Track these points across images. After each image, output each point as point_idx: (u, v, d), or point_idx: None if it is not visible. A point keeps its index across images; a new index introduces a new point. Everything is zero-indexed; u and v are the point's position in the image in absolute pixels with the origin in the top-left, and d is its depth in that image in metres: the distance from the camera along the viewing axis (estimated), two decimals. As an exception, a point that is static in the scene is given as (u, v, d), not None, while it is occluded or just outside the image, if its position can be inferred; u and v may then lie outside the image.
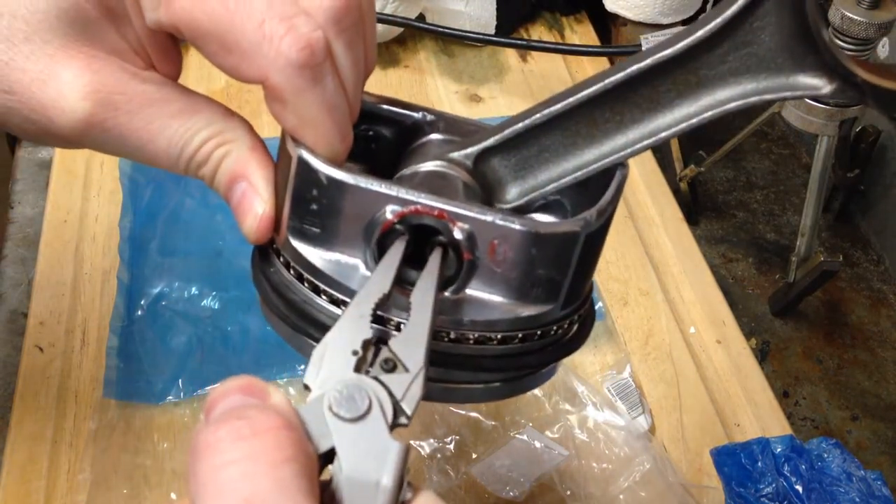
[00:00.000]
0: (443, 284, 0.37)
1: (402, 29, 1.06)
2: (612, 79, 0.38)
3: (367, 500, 0.29)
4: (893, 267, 1.20)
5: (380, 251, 0.37)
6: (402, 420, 0.32)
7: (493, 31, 1.05)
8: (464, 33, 1.03)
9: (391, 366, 0.33)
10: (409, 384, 0.32)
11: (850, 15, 0.85)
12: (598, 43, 1.15)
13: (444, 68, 1.08)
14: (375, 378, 0.32)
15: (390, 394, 0.32)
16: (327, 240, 0.38)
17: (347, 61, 0.38)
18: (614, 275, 0.85)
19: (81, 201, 0.87)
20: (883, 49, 1.15)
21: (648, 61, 0.37)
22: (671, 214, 0.93)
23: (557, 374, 0.73)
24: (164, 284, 0.77)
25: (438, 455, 0.68)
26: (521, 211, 0.43)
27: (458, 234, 0.37)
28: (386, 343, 0.34)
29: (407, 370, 0.33)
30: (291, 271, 0.39)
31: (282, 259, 0.40)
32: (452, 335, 0.38)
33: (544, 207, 0.43)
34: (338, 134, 0.38)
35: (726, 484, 0.69)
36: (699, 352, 0.80)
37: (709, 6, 1.24)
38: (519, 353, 0.39)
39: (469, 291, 0.38)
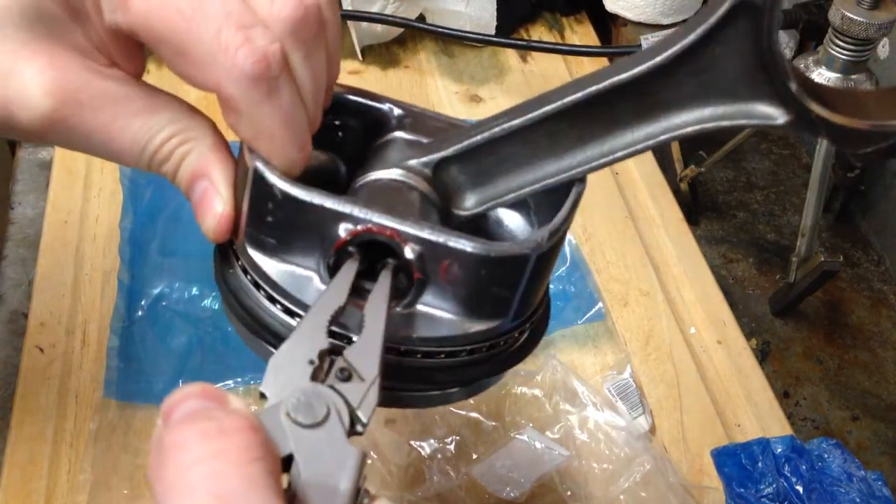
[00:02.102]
0: (395, 297, 0.37)
1: (402, 29, 1.06)
2: (574, 96, 0.38)
3: (326, 503, 0.29)
4: (894, 267, 1.20)
5: (333, 266, 0.38)
6: (359, 428, 0.32)
7: (493, 32, 1.05)
8: (464, 34, 1.03)
9: (346, 375, 0.33)
10: (364, 393, 0.33)
11: (850, 15, 0.85)
12: (598, 43, 1.15)
13: (445, 69, 1.08)
14: (331, 387, 0.33)
15: (346, 402, 0.32)
16: (282, 251, 0.39)
17: (306, 72, 0.37)
18: (615, 275, 0.85)
19: (82, 202, 0.87)
20: (883, 49, 1.15)
21: (609, 81, 0.38)
22: (671, 215, 0.92)
23: (558, 374, 0.73)
24: (165, 285, 0.77)
25: (439, 455, 0.68)
26: (479, 218, 0.43)
27: (409, 254, 0.37)
28: (341, 353, 0.34)
29: (362, 379, 0.33)
30: (248, 277, 0.40)
31: (240, 263, 0.40)
32: (402, 349, 0.38)
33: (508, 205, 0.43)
34: (294, 145, 0.38)
35: (727, 484, 0.69)
36: (699, 352, 0.80)
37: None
38: (467, 365, 0.40)
39: (420, 307, 0.38)
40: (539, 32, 1.15)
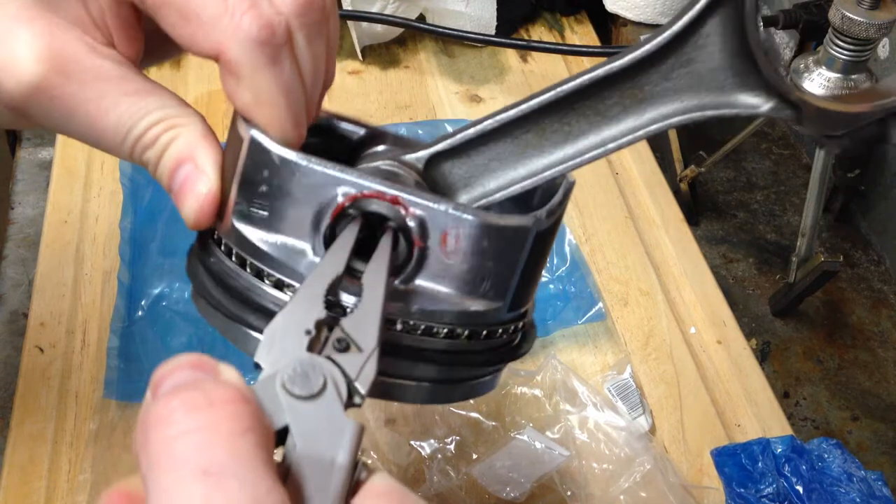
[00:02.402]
0: (393, 272, 0.37)
1: (402, 29, 1.06)
2: (561, 89, 0.39)
3: (322, 477, 0.29)
4: (894, 267, 1.20)
5: (330, 236, 0.37)
6: (357, 400, 0.32)
7: (493, 32, 1.05)
8: (464, 34, 1.03)
9: (344, 346, 0.33)
10: (362, 364, 0.32)
11: (851, 15, 0.85)
12: (598, 43, 1.15)
13: (445, 69, 1.08)
14: (329, 358, 0.32)
15: (344, 374, 0.32)
16: (275, 223, 0.38)
17: (307, 55, 0.38)
18: (615, 275, 0.85)
19: (82, 202, 0.87)
20: (883, 49, 1.15)
21: (595, 74, 0.38)
22: (671, 215, 0.93)
23: (558, 374, 0.73)
24: (165, 285, 0.77)
25: (439, 455, 0.68)
26: None
27: (410, 222, 0.36)
28: (338, 323, 0.33)
29: (360, 350, 0.33)
30: (234, 258, 0.39)
31: (223, 247, 0.39)
32: (399, 325, 0.37)
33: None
34: (292, 118, 0.38)
35: (727, 484, 0.69)
36: (699, 352, 0.80)
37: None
38: (463, 351, 0.40)
39: (419, 282, 0.38)
40: (539, 32, 1.15)
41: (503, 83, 1.07)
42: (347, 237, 0.36)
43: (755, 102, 0.37)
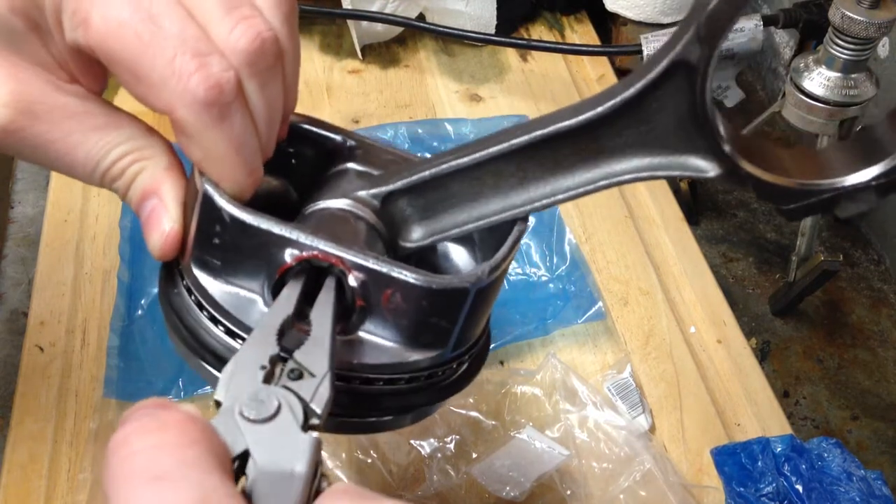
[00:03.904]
0: (336, 321, 0.38)
1: (402, 28, 1.06)
2: (519, 139, 0.40)
3: (282, 487, 0.30)
4: (894, 267, 1.20)
5: (277, 290, 0.38)
6: (314, 420, 0.33)
7: (493, 31, 1.05)
8: (464, 33, 1.03)
9: (297, 374, 0.34)
10: (316, 387, 0.34)
11: (851, 14, 0.85)
12: (598, 42, 1.15)
13: (445, 68, 1.08)
14: (284, 387, 0.33)
15: (300, 398, 0.33)
16: (228, 273, 0.39)
17: (260, 101, 0.38)
18: (615, 275, 0.85)
19: (82, 201, 0.87)
20: (883, 49, 1.15)
21: (553, 127, 0.39)
22: (671, 214, 0.93)
23: (557, 373, 0.73)
24: (165, 284, 0.77)
25: (439, 455, 0.68)
26: (426, 251, 0.44)
27: (353, 282, 0.38)
28: (291, 357, 0.35)
29: (313, 375, 0.34)
30: (192, 297, 0.40)
31: (185, 283, 0.41)
32: (342, 374, 0.39)
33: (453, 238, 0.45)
34: (243, 171, 0.38)
35: (726, 483, 0.69)
36: (699, 351, 0.80)
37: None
38: (405, 393, 0.41)
39: (361, 334, 0.39)
40: (539, 31, 1.15)
41: (503, 82, 1.07)
42: (295, 285, 0.38)
43: (705, 167, 0.38)
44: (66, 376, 0.73)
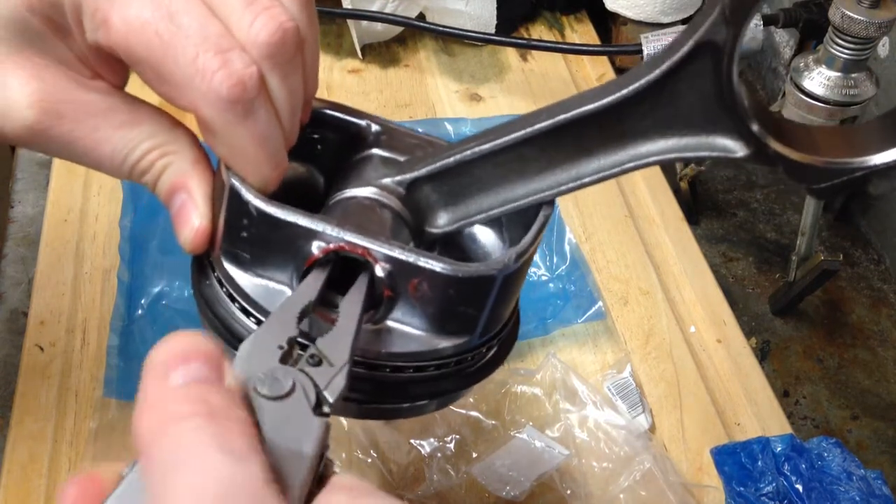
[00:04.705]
0: (365, 311, 0.38)
1: (402, 28, 1.06)
2: (543, 124, 0.40)
3: (288, 465, 0.30)
4: (894, 266, 1.20)
5: (304, 277, 0.39)
6: (325, 408, 0.33)
7: (493, 31, 1.05)
8: (464, 32, 1.03)
9: (317, 361, 0.34)
10: (332, 376, 0.34)
11: (851, 14, 0.85)
12: (598, 42, 1.15)
13: (445, 67, 1.08)
14: (301, 370, 0.33)
15: (314, 383, 0.33)
16: (257, 265, 0.40)
17: (283, 92, 0.38)
18: (615, 274, 0.85)
19: (82, 200, 0.87)
20: (883, 48, 1.15)
21: (577, 111, 0.39)
22: (671, 214, 0.93)
23: (557, 373, 0.73)
24: (165, 283, 0.77)
25: (438, 454, 0.68)
26: (453, 234, 0.44)
27: (380, 272, 0.38)
28: (313, 343, 0.35)
29: (332, 365, 0.34)
30: (224, 289, 0.41)
31: (216, 274, 0.41)
32: (371, 363, 0.39)
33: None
34: (269, 164, 0.39)
35: (726, 483, 0.69)
36: (699, 351, 0.80)
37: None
38: (434, 379, 0.41)
39: (389, 323, 0.40)
40: (539, 31, 1.15)
41: (503, 82, 1.07)
42: (319, 273, 0.38)
43: (733, 147, 0.38)
44: (66, 376, 0.73)
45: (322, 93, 1.05)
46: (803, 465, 0.69)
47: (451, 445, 0.68)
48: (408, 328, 0.40)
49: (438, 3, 1.03)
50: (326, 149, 0.46)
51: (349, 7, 0.99)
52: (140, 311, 0.76)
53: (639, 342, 0.80)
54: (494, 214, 0.42)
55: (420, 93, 1.04)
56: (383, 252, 0.38)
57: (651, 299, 0.83)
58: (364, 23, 1.03)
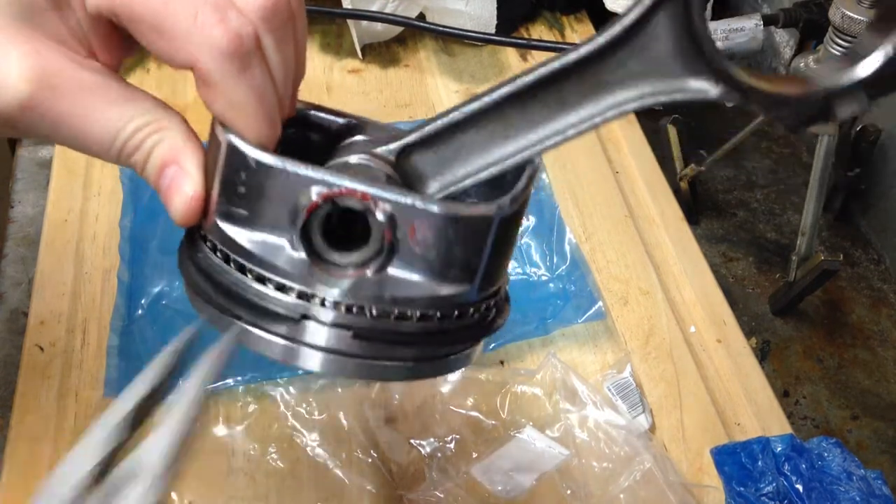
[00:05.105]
0: (364, 262, 0.40)
1: (402, 28, 1.06)
2: (521, 81, 0.41)
3: None
4: (893, 266, 1.20)
5: (306, 232, 0.40)
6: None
7: (493, 31, 1.05)
8: (464, 32, 1.03)
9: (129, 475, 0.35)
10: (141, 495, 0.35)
11: (851, 14, 0.85)
12: (598, 42, 1.15)
13: (445, 67, 1.08)
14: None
15: None
16: (254, 221, 0.40)
17: (276, 57, 0.40)
18: (615, 274, 0.85)
19: (82, 200, 0.87)
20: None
21: (555, 65, 0.41)
22: (671, 214, 0.93)
23: (557, 373, 0.73)
24: (165, 283, 0.77)
25: (439, 454, 0.68)
26: None
27: (380, 216, 0.39)
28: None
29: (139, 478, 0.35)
30: (218, 254, 0.41)
31: (209, 244, 0.42)
32: (374, 311, 0.40)
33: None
34: (266, 120, 0.40)
35: (726, 483, 0.69)
36: (699, 351, 0.80)
37: (709, 6, 1.24)
38: (437, 331, 0.42)
39: (391, 271, 0.40)
40: (539, 31, 1.15)
41: (503, 82, 1.06)
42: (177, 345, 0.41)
43: (705, 87, 0.40)
44: (66, 376, 0.73)
45: (322, 93, 1.06)
46: (803, 465, 0.69)
47: (452, 445, 0.68)
48: (409, 275, 0.40)
49: (438, 3, 1.03)
50: (310, 149, 0.47)
51: (349, 7, 0.99)
52: (140, 311, 0.76)
53: (639, 342, 0.80)
54: (483, 177, 0.44)
55: (420, 93, 1.04)
56: (383, 195, 0.39)
57: (651, 299, 0.83)
58: (364, 23, 1.03)
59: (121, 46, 0.42)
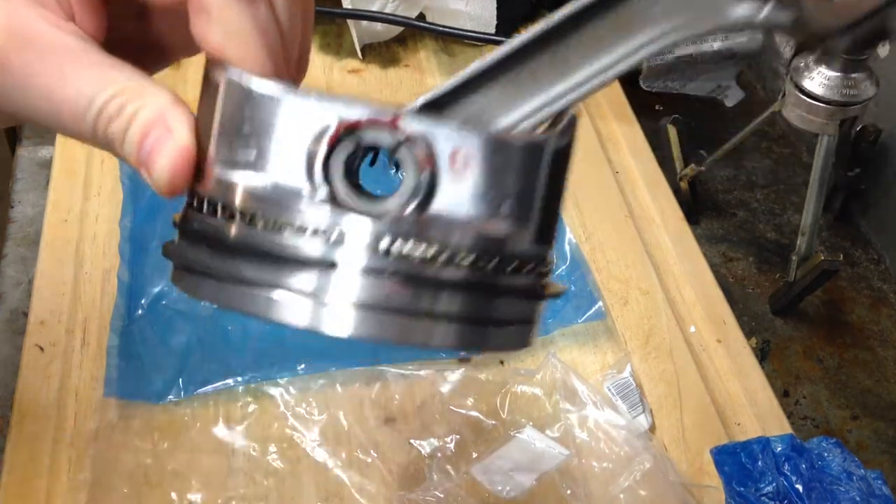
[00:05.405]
0: (401, 204, 0.33)
1: (402, 28, 1.06)
2: (548, 22, 0.37)
3: None
4: (894, 266, 1.20)
5: (325, 173, 0.33)
6: None
7: (493, 31, 1.05)
8: (464, 32, 1.03)
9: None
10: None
11: (851, 14, 0.85)
12: (598, 42, 1.15)
13: (445, 67, 1.08)
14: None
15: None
16: (264, 165, 0.34)
17: (284, 10, 0.37)
18: (614, 274, 0.85)
19: (82, 201, 0.87)
20: (883, 48, 1.15)
21: (582, 2, 0.37)
22: (671, 214, 0.93)
23: (557, 373, 0.73)
24: (165, 283, 0.77)
25: (439, 454, 0.68)
26: None
27: (414, 146, 0.33)
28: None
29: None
30: (221, 213, 0.35)
31: (207, 208, 0.35)
32: (417, 256, 0.33)
33: None
34: (268, 55, 0.36)
35: (726, 483, 0.69)
36: (699, 351, 0.80)
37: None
38: (490, 284, 0.35)
39: (433, 209, 0.34)
40: (539, 31, 1.15)
41: (503, 82, 1.06)
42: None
43: (750, 12, 0.37)
44: (66, 376, 0.73)
45: (322, 93, 1.05)
46: (803, 465, 0.69)
47: (451, 445, 0.68)
48: (454, 212, 0.34)
49: (438, 3, 1.03)
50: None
51: (349, 7, 0.99)
52: (140, 311, 0.76)
53: (639, 342, 0.80)
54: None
55: (420, 93, 1.04)
56: (416, 120, 0.33)
57: (651, 299, 0.83)
58: (364, 23, 1.03)
59: (105, 15, 0.39)
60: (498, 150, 0.34)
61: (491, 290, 0.35)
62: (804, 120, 0.94)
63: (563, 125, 0.36)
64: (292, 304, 0.33)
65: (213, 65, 0.35)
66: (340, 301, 0.32)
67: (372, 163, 0.35)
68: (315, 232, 0.33)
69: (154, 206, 0.83)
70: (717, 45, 1.08)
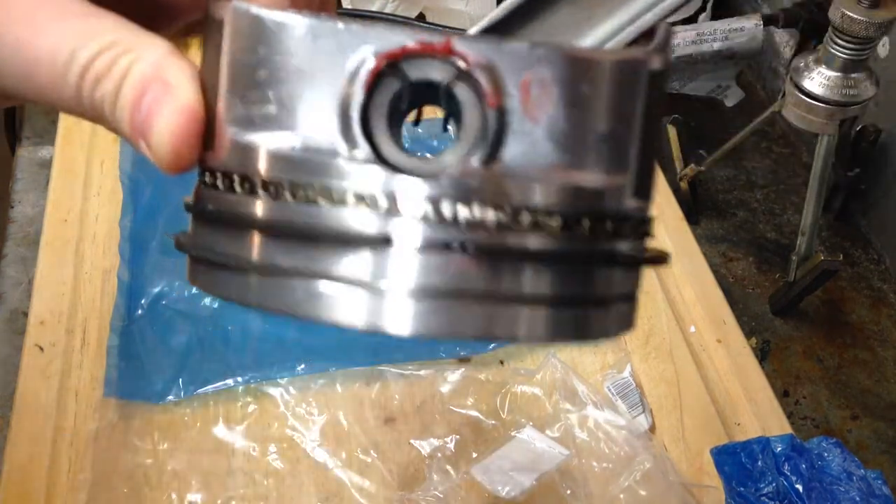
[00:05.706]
0: (467, 154, 0.26)
1: (402, 28, 1.06)
2: None
3: None
4: (894, 266, 1.20)
5: (365, 120, 0.26)
6: None
7: (493, 31, 1.05)
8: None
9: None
10: None
11: (851, 14, 0.85)
12: (598, 42, 1.15)
13: (445, 67, 1.08)
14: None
15: None
16: (287, 119, 0.27)
17: None
18: (614, 274, 0.85)
19: (82, 201, 0.87)
20: (883, 48, 1.15)
21: None
22: (671, 214, 0.92)
23: (558, 373, 0.73)
24: (165, 283, 0.77)
25: (439, 454, 0.68)
26: None
27: (476, 76, 0.25)
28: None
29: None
30: (244, 186, 0.27)
31: (222, 183, 0.28)
32: (492, 220, 0.26)
33: None
34: None
35: (726, 483, 0.69)
36: (699, 351, 0.80)
37: (709, 6, 1.24)
38: (587, 252, 0.28)
39: (505, 159, 0.26)
40: (539, 31, 1.14)
41: (503, 82, 1.06)
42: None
43: None
44: (66, 376, 0.73)
45: (322, 93, 1.05)
46: (803, 465, 0.68)
47: (452, 445, 0.68)
48: (533, 160, 0.26)
49: (438, 3, 1.03)
50: None
51: (349, 7, 0.99)
52: (140, 311, 0.76)
53: (639, 342, 0.80)
54: None
55: (420, 93, 1.04)
56: (476, 43, 0.25)
57: (651, 299, 0.83)
58: (364, 23, 1.03)
59: None
60: (584, 72, 0.26)
61: (588, 260, 0.28)
62: (804, 120, 0.94)
63: (659, 40, 0.29)
64: (342, 298, 0.26)
65: (215, 1, 0.29)
66: (401, 288, 0.25)
67: (417, 121, 0.29)
68: (359, 200, 0.26)
69: (154, 207, 0.83)
70: (716, 45, 1.08)
